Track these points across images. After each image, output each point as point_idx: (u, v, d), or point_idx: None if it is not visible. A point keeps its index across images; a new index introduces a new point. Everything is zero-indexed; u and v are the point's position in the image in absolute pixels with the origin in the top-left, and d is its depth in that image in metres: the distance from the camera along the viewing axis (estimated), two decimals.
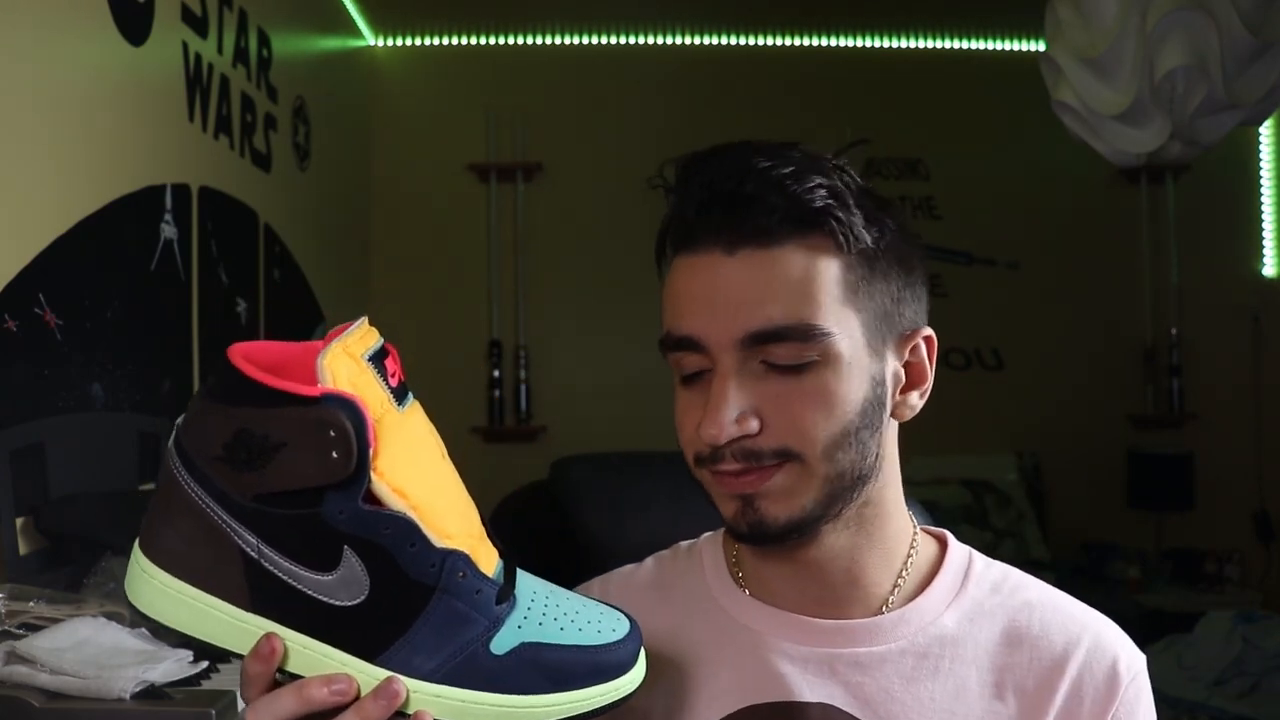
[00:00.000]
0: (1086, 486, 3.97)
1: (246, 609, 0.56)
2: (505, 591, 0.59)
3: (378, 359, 0.57)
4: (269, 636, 0.56)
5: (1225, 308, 3.97)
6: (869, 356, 0.70)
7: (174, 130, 2.17)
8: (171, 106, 2.16)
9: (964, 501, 3.72)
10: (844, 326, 0.68)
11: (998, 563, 0.80)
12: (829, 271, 0.68)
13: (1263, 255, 4.04)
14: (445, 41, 3.96)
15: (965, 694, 0.72)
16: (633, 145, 3.54)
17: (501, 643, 0.58)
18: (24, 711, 1.05)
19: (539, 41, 3.98)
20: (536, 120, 3.89)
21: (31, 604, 1.21)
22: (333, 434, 0.53)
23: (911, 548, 0.77)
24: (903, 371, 0.73)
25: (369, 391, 0.55)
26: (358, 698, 0.56)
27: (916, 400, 0.74)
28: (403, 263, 3.87)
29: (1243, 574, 3.70)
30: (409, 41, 3.95)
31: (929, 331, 0.74)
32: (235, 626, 0.56)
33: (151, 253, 2.06)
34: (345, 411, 0.53)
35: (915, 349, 0.73)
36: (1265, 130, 4.01)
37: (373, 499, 0.55)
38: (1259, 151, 4.05)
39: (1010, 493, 3.81)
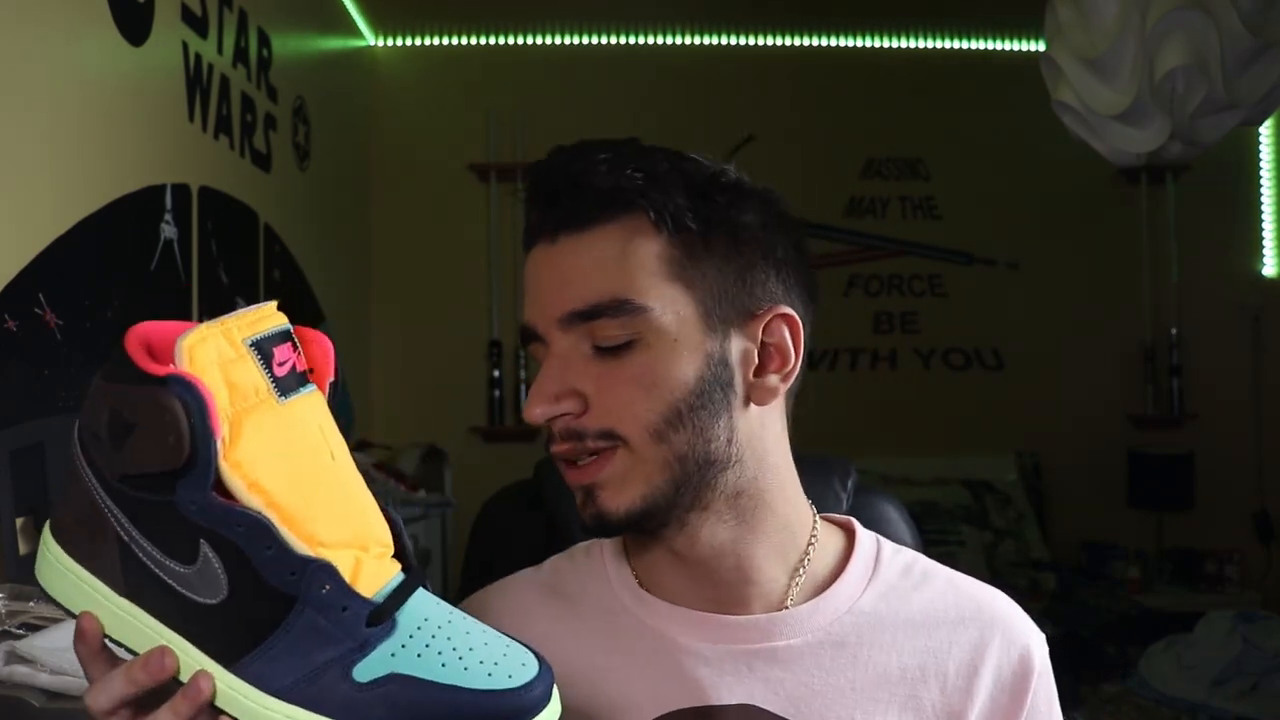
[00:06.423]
0: (1086, 486, 3.97)
1: (122, 594, 0.55)
2: (382, 612, 0.53)
3: (265, 344, 0.54)
4: (85, 615, 0.55)
5: (1225, 308, 3.97)
6: (704, 334, 0.69)
7: (174, 130, 2.17)
8: (171, 106, 2.16)
9: (964, 501, 3.71)
10: (668, 303, 0.68)
11: (904, 548, 0.80)
12: (647, 249, 0.68)
13: (1263, 255, 4.04)
14: (445, 41, 3.96)
15: (887, 680, 0.72)
16: None
17: (367, 670, 0.52)
18: (24, 711, 1.05)
19: (539, 41, 3.98)
20: (536, 120, 3.89)
21: (31, 604, 1.21)
22: (168, 418, 0.50)
23: (811, 539, 0.75)
24: (755, 352, 0.71)
25: (242, 377, 0.53)
26: (177, 676, 0.53)
27: (776, 382, 0.72)
28: (403, 263, 3.87)
29: (1243, 574, 3.70)
30: (409, 41, 3.95)
31: (787, 310, 0.72)
32: (113, 613, 0.55)
33: (151, 253, 2.06)
34: (184, 394, 0.50)
35: (770, 328, 0.71)
36: (1265, 130, 4.01)
37: (228, 492, 0.52)
38: (1259, 151, 4.05)
39: (1010, 493, 3.80)
